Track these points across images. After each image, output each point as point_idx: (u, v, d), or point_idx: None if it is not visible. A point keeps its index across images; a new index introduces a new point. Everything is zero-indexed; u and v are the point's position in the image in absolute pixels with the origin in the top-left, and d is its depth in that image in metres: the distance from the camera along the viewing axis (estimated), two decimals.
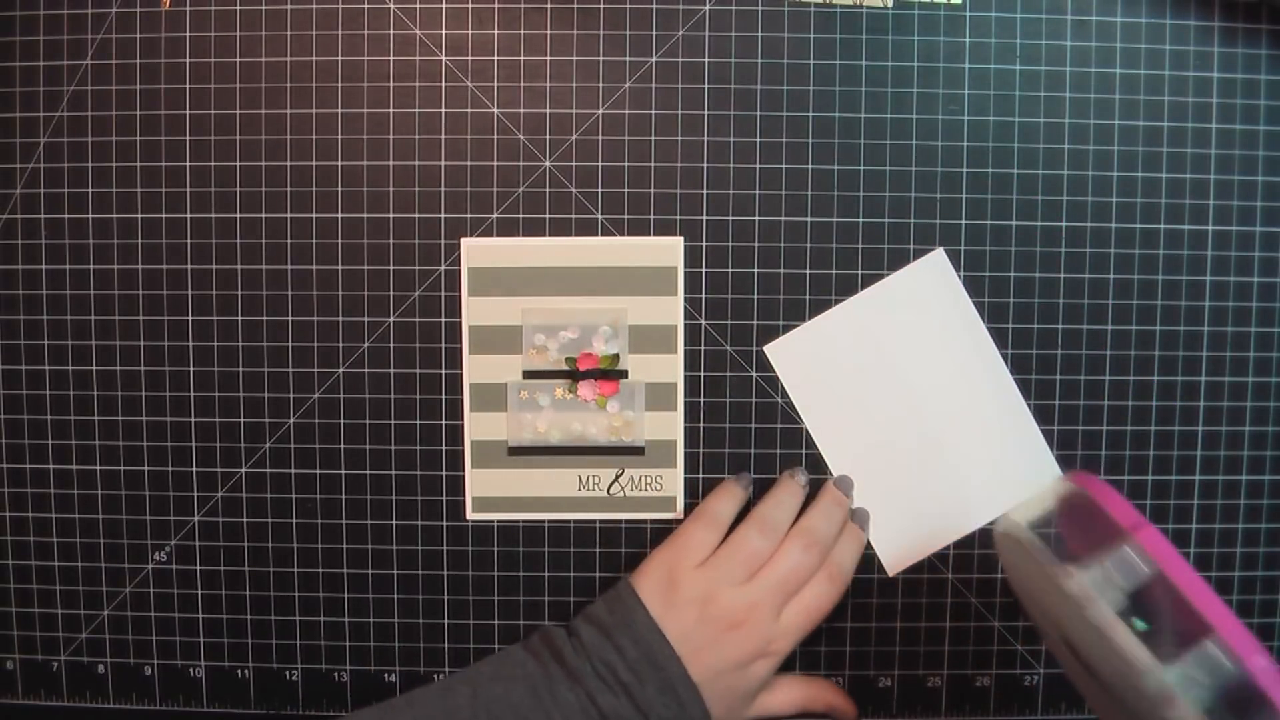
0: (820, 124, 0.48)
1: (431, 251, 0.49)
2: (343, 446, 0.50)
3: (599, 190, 0.49)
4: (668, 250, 0.49)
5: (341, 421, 0.49)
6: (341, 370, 0.49)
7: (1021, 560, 0.40)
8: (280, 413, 0.50)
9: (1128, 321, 0.49)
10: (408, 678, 0.50)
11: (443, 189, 0.49)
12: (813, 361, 0.49)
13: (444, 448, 0.49)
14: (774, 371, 0.49)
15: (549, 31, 0.48)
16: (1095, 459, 0.49)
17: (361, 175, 0.49)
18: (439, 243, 0.49)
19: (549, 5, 0.48)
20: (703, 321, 0.49)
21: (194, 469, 0.50)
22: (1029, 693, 0.50)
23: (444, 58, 0.49)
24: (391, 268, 0.49)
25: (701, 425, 0.49)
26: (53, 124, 0.49)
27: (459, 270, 0.49)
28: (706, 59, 0.48)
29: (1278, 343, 0.49)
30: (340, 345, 0.49)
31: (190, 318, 0.49)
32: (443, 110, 0.48)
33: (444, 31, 0.48)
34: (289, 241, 0.49)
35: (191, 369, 0.49)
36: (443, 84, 0.48)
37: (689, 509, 0.49)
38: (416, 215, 0.49)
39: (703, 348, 0.49)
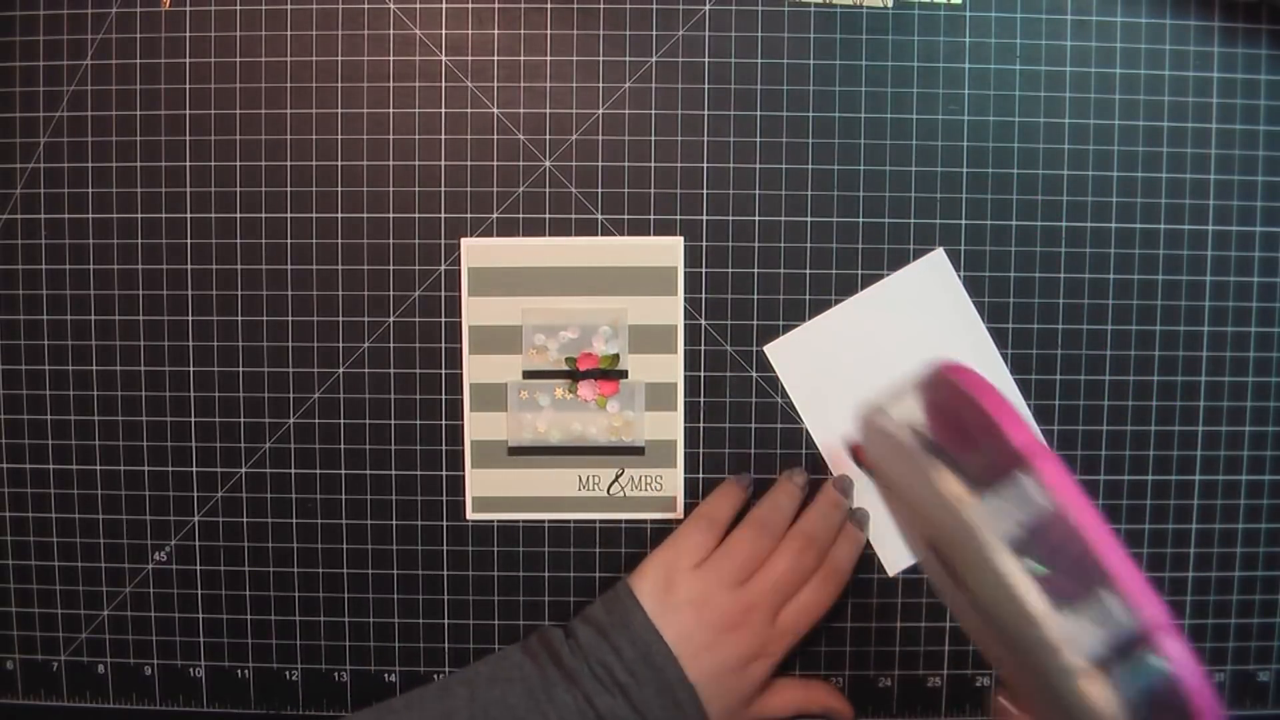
0: (820, 124, 0.48)
1: (431, 251, 0.49)
2: (343, 446, 0.50)
3: (599, 190, 0.49)
4: (668, 250, 0.49)
5: (341, 421, 0.49)
6: (341, 370, 0.49)
7: (891, 456, 0.37)
8: (280, 413, 0.50)
9: (1128, 321, 0.49)
10: (408, 678, 0.50)
11: (443, 189, 0.49)
12: (813, 361, 0.49)
13: (444, 448, 0.49)
14: (774, 371, 0.49)
15: (549, 31, 0.48)
16: (1095, 459, 0.49)
17: (361, 175, 0.49)
18: (439, 243, 0.49)
19: (549, 5, 0.48)
20: (703, 321, 0.49)
21: (194, 469, 0.50)
22: None
23: (444, 58, 0.49)
24: (391, 268, 0.49)
25: (701, 425, 0.49)
26: (53, 124, 0.49)
27: (459, 270, 0.49)
28: (706, 59, 0.48)
29: (1278, 343, 0.49)
30: (340, 345, 0.49)
31: (190, 318, 0.49)
32: (443, 110, 0.48)
33: (444, 31, 0.48)
34: (289, 241, 0.49)
35: (191, 369, 0.49)
36: (443, 84, 0.48)
37: (689, 509, 0.49)
38: (416, 215, 0.49)
39: (703, 348, 0.49)
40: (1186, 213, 0.48)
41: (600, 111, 0.48)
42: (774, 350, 0.49)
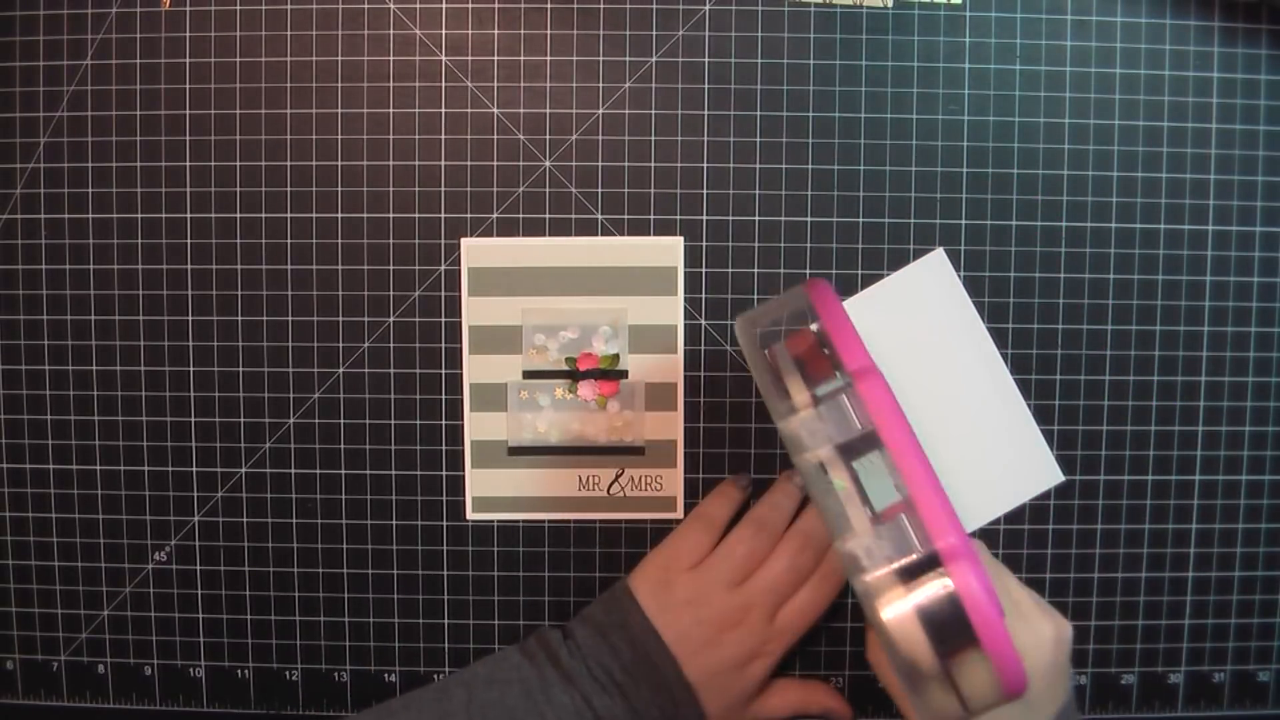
0: (820, 124, 0.48)
1: (431, 251, 0.49)
2: (343, 446, 0.50)
3: (599, 190, 0.49)
4: (668, 250, 0.49)
5: (341, 421, 0.49)
6: (341, 370, 0.49)
7: (759, 367, 0.38)
8: (280, 413, 0.50)
9: (1128, 321, 0.49)
10: (408, 678, 0.50)
11: (443, 189, 0.49)
12: None
13: (444, 448, 0.49)
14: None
15: (549, 31, 0.48)
16: (1095, 459, 0.49)
17: (361, 175, 0.49)
18: (439, 243, 0.49)
19: (549, 5, 0.48)
20: (703, 321, 0.49)
21: (194, 469, 0.50)
22: None
23: (444, 58, 0.49)
24: (391, 268, 0.49)
25: (701, 425, 0.49)
26: (53, 124, 0.49)
27: (459, 270, 0.49)
28: (706, 59, 0.48)
29: (1278, 343, 0.49)
30: (340, 345, 0.49)
31: (190, 318, 0.49)
32: (443, 110, 0.48)
33: (444, 31, 0.48)
34: (289, 241, 0.49)
35: (191, 369, 0.49)
36: (443, 84, 0.48)
37: (689, 509, 0.49)
38: (416, 215, 0.49)
39: (703, 348, 0.49)
40: (1186, 213, 0.48)
41: (600, 111, 0.48)
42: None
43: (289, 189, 0.49)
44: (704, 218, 0.49)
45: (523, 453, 0.49)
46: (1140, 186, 0.48)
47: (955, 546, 0.32)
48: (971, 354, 0.49)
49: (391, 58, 0.48)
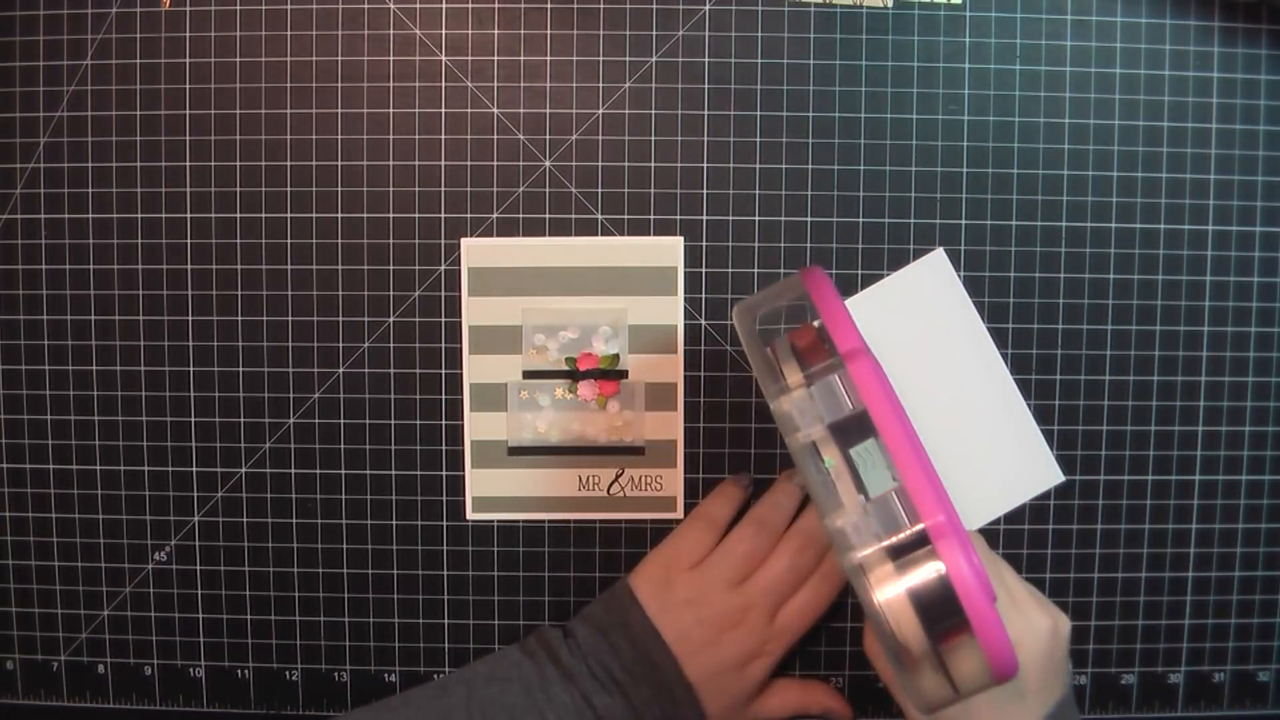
0: (820, 124, 0.48)
1: (431, 251, 0.49)
2: (343, 446, 0.50)
3: (599, 190, 0.49)
4: (668, 250, 0.49)
5: (341, 421, 0.49)
6: (341, 370, 0.49)
7: (750, 347, 0.38)
8: (280, 413, 0.50)
9: (1128, 321, 0.49)
10: (408, 678, 0.50)
11: (443, 189, 0.49)
12: None
13: (444, 448, 0.49)
14: None
15: (549, 31, 0.48)
16: (1095, 459, 0.49)
17: (361, 175, 0.49)
18: (439, 243, 0.49)
19: (549, 5, 0.48)
20: (703, 321, 0.49)
21: (194, 469, 0.50)
22: None
23: (444, 58, 0.49)
24: (391, 268, 0.49)
25: (701, 425, 0.49)
26: (53, 124, 0.49)
27: (459, 270, 0.49)
28: (706, 59, 0.48)
29: (1278, 343, 0.49)
30: (340, 345, 0.49)
31: (190, 318, 0.49)
32: (443, 110, 0.48)
33: (444, 31, 0.48)
34: (289, 241, 0.49)
35: (191, 369, 0.49)
36: (443, 84, 0.48)
37: (689, 509, 0.49)
38: (416, 215, 0.49)
39: (703, 348, 0.49)
40: (1186, 213, 0.48)
41: (600, 111, 0.48)
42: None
43: (289, 189, 0.49)
44: (704, 218, 0.49)
45: (523, 453, 0.49)
46: (1140, 186, 0.48)
47: (943, 524, 0.32)
48: (971, 354, 0.49)
49: (391, 58, 0.48)
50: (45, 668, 0.51)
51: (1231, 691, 0.50)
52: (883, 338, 0.49)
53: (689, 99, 0.48)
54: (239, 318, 0.49)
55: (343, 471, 0.50)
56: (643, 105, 0.48)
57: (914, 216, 0.49)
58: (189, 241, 0.49)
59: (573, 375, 0.49)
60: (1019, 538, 0.49)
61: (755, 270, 0.49)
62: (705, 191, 0.49)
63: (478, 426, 0.49)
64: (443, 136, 0.49)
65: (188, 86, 0.49)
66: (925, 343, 0.49)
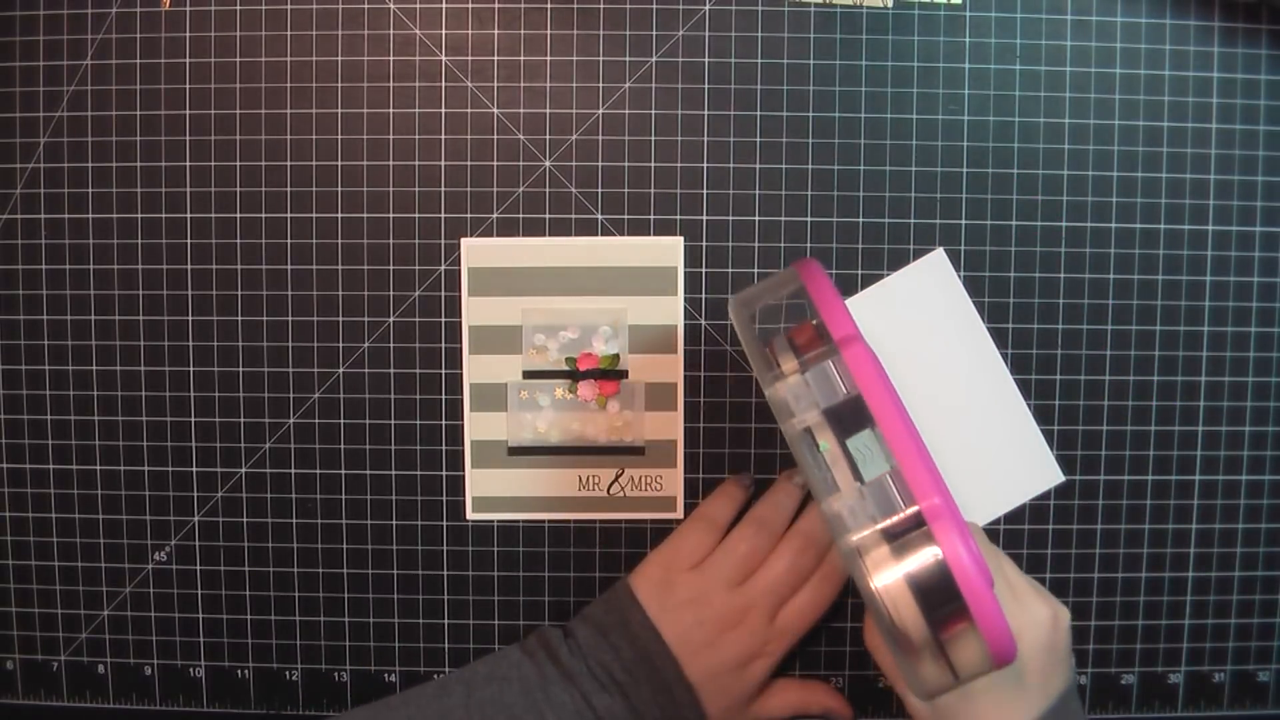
0: (820, 124, 0.48)
1: (431, 251, 0.49)
2: (343, 446, 0.50)
3: (599, 190, 0.49)
4: (668, 250, 0.49)
5: (341, 421, 0.49)
6: (341, 370, 0.49)
7: (752, 346, 0.39)
8: (280, 413, 0.50)
9: (1128, 321, 0.49)
10: (408, 678, 0.50)
11: (443, 189, 0.49)
12: None
13: (444, 448, 0.49)
14: None
15: (549, 31, 0.48)
16: (1095, 459, 0.49)
17: (361, 175, 0.49)
18: (439, 243, 0.49)
19: (549, 5, 0.48)
20: (703, 321, 0.49)
21: (194, 469, 0.50)
22: None
23: (444, 58, 0.49)
24: (391, 268, 0.49)
25: (701, 425, 0.49)
26: (53, 124, 0.49)
27: (459, 270, 0.49)
28: (706, 59, 0.48)
29: (1278, 343, 0.49)
30: (340, 345, 0.49)
31: (190, 318, 0.49)
32: (443, 110, 0.48)
33: (444, 31, 0.48)
34: (289, 241, 0.49)
35: (191, 369, 0.49)
36: (443, 84, 0.48)
37: (689, 509, 0.49)
38: (416, 215, 0.49)
39: (703, 348, 0.49)
40: (1186, 213, 0.48)
41: (600, 111, 0.48)
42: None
43: (289, 189, 0.49)
44: (704, 218, 0.49)
45: (523, 453, 0.49)
46: (1140, 186, 0.48)
47: (938, 506, 0.32)
48: (971, 354, 0.49)
49: (391, 58, 0.48)
50: (45, 668, 0.51)
51: (1231, 691, 0.50)
52: (883, 338, 0.49)
53: (689, 99, 0.48)
54: (239, 318, 0.49)
55: (343, 471, 0.50)
56: (643, 105, 0.48)
57: (914, 216, 0.49)
58: (189, 241, 0.49)
59: (573, 375, 0.49)
60: (1019, 538, 0.49)
61: (755, 270, 0.49)
62: (705, 191, 0.49)
63: (478, 426, 0.49)
64: (443, 136, 0.49)
65: (188, 86, 0.49)
66: (925, 343, 0.49)
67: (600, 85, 0.48)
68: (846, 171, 0.48)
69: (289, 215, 0.49)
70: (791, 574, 0.45)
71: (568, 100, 0.48)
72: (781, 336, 0.37)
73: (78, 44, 0.49)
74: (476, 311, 0.49)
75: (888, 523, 0.32)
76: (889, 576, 0.32)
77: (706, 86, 0.48)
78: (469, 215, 0.49)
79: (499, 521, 0.50)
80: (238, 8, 0.48)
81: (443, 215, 0.49)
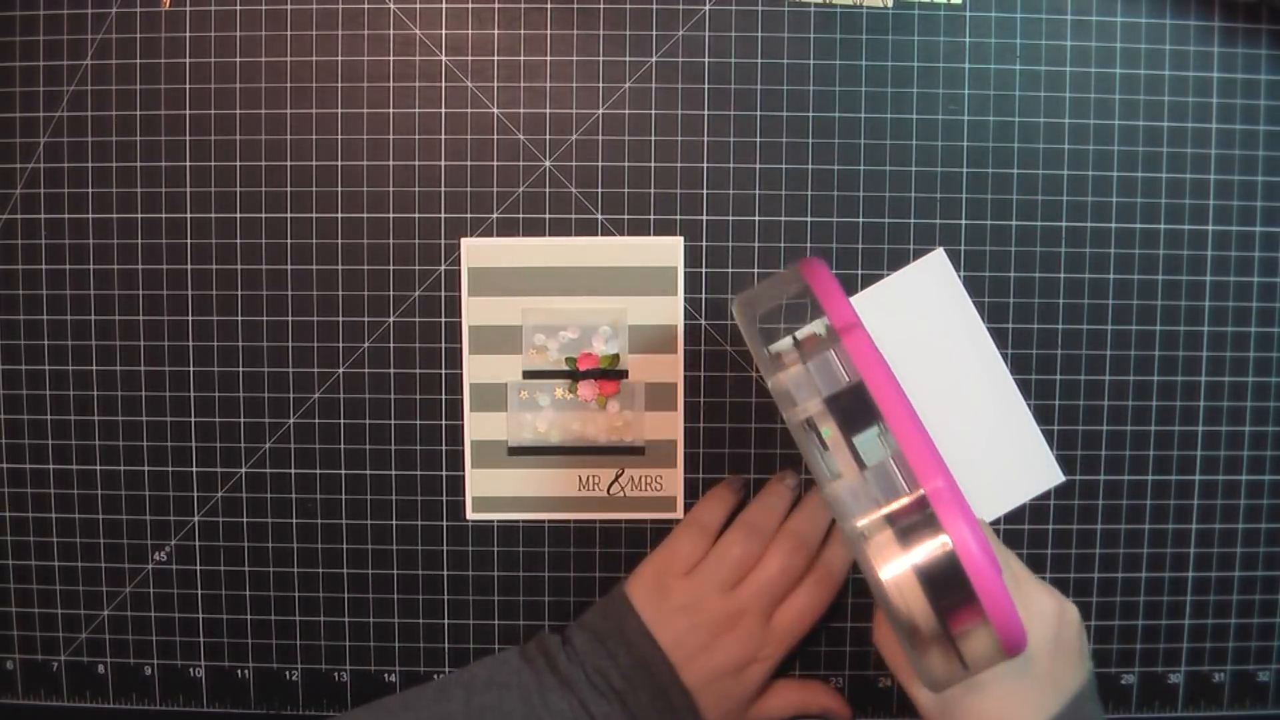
0: (820, 124, 0.48)
1: (431, 251, 0.49)
2: (343, 446, 0.50)
3: (599, 190, 0.49)
4: (668, 250, 0.49)
5: (341, 421, 0.49)
6: (341, 370, 0.49)
7: (749, 336, 0.39)
8: (280, 413, 0.50)
9: (1128, 321, 0.49)
10: (408, 678, 0.50)
11: (443, 189, 0.49)
12: None
13: (444, 448, 0.49)
14: None
15: (549, 31, 0.48)
16: (1095, 459, 0.49)
17: (361, 175, 0.49)
18: (439, 243, 0.49)
19: (549, 5, 0.48)
20: (703, 321, 0.49)
21: (194, 469, 0.50)
22: None
23: (444, 58, 0.49)
24: (391, 268, 0.49)
25: (701, 425, 0.49)
26: (53, 124, 0.49)
27: (459, 270, 0.49)
28: (706, 59, 0.48)
29: (1278, 343, 0.49)
30: (340, 345, 0.49)
31: (190, 318, 0.49)
32: (443, 110, 0.48)
33: (444, 31, 0.48)
34: (289, 241, 0.49)
35: (191, 369, 0.49)
36: (443, 84, 0.48)
37: (689, 509, 0.49)
38: (416, 215, 0.49)
39: (703, 348, 0.49)
40: (1186, 213, 0.48)
41: (600, 111, 0.48)
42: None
43: (289, 189, 0.49)
44: (704, 218, 0.49)
45: (523, 453, 0.49)
46: (1140, 186, 0.48)
47: (942, 489, 0.31)
48: (971, 354, 0.49)
49: (391, 58, 0.48)
50: (45, 668, 0.51)
51: (1231, 691, 0.50)
52: (883, 338, 0.49)
53: (689, 99, 0.48)
54: (239, 318, 0.49)
55: (343, 471, 0.50)
56: (643, 105, 0.48)
57: (914, 216, 0.49)
58: (189, 241, 0.49)
59: (573, 375, 0.49)
60: (1019, 538, 0.49)
61: (755, 270, 0.49)
62: (705, 191, 0.49)
63: (478, 426, 0.49)
64: (443, 136, 0.49)
65: (188, 86, 0.49)
66: (925, 343, 0.49)
67: (600, 85, 0.48)
68: (846, 171, 0.48)
69: (289, 215, 0.49)
70: (784, 576, 0.45)
71: (568, 100, 0.48)
72: (784, 332, 0.37)
73: (78, 44, 0.49)
74: (476, 311, 0.49)
75: (892, 507, 0.32)
76: (895, 563, 0.32)
77: (706, 86, 0.48)
78: (469, 215, 0.49)
79: (499, 521, 0.50)
80: (238, 8, 0.48)
81: (443, 215, 0.49)
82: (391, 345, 0.49)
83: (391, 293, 0.49)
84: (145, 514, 0.50)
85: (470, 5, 0.48)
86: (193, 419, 0.50)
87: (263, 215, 0.49)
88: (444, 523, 0.50)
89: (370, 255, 0.49)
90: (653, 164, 0.49)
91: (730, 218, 0.49)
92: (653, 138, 0.48)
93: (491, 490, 0.50)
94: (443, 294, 0.49)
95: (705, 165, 0.49)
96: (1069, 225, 0.48)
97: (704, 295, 0.49)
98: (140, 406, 0.50)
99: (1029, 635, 0.36)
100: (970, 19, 0.48)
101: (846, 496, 0.33)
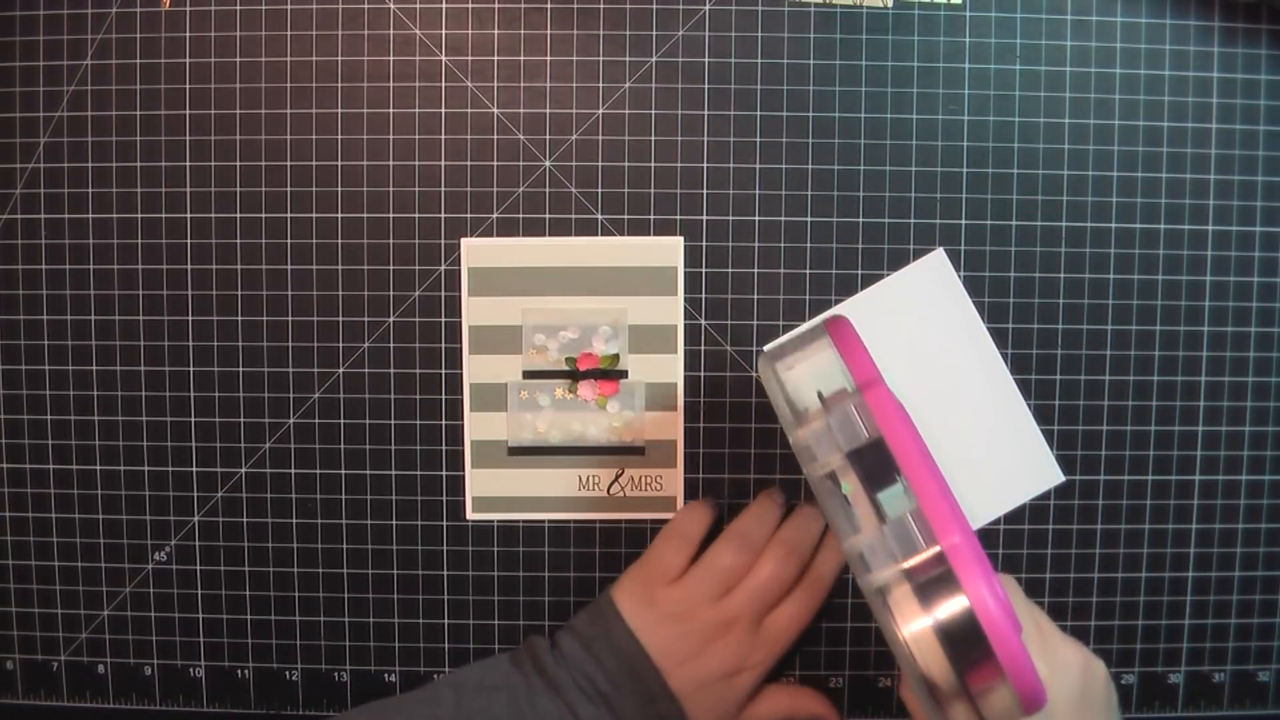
0: (820, 124, 0.48)
1: (431, 251, 0.49)
2: (343, 446, 0.50)
3: (599, 190, 0.49)
4: (668, 250, 0.49)
5: (341, 421, 0.49)
6: (341, 370, 0.49)
7: (778, 397, 0.39)
8: (280, 413, 0.50)
9: (1128, 321, 0.49)
10: (408, 678, 0.50)
11: (443, 189, 0.49)
12: None
13: (444, 448, 0.49)
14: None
15: (549, 31, 0.48)
16: (1095, 459, 0.49)
17: (361, 175, 0.49)
18: (439, 243, 0.49)
19: (549, 5, 0.48)
20: (703, 321, 0.49)
21: (194, 469, 0.50)
22: None
23: (444, 58, 0.49)
24: (391, 268, 0.49)
25: (701, 425, 0.49)
26: (53, 124, 0.49)
27: (459, 270, 0.49)
28: (706, 59, 0.48)
29: (1278, 343, 0.49)
30: (340, 345, 0.49)
31: (190, 318, 0.49)
32: (443, 110, 0.49)
33: (444, 31, 0.48)
34: (289, 241, 0.49)
35: (191, 369, 0.49)
36: (443, 84, 0.48)
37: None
38: (416, 215, 0.49)
39: (703, 348, 0.49)
40: (1186, 213, 0.48)
41: (600, 111, 0.48)
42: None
43: (289, 189, 0.49)
44: (704, 218, 0.49)
45: (523, 453, 0.49)
46: (1140, 186, 0.48)
47: (959, 545, 0.32)
48: (971, 354, 0.49)
49: (391, 58, 0.48)
50: (45, 668, 0.51)
51: (1231, 691, 0.50)
52: (883, 338, 0.49)
53: (689, 99, 0.48)
54: (239, 318, 0.49)
55: (343, 471, 0.50)
56: (643, 105, 0.48)
57: (914, 216, 0.49)
58: (189, 241, 0.49)
59: (573, 375, 0.49)
60: (1019, 538, 0.49)
61: (755, 270, 0.49)
62: (705, 191, 0.49)
63: (478, 426, 0.49)
64: (443, 136, 0.49)
65: (188, 86, 0.49)
66: (925, 343, 0.49)
67: (600, 85, 0.48)
68: (846, 171, 0.48)
69: (289, 215, 0.49)
70: (775, 583, 0.45)
71: (568, 100, 0.48)
72: (809, 388, 0.38)
73: (78, 44, 0.49)
74: (476, 311, 0.49)
75: (910, 563, 0.32)
76: (913, 620, 0.32)
77: (706, 86, 0.48)
78: (469, 215, 0.49)
79: (499, 521, 0.50)
80: (238, 8, 0.48)
81: (443, 215, 0.49)
82: (391, 345, 0.49)
83: (391, 293, 0.49)
84: (145, 514, 0.50)
85: (470, 5, 0.48)
86: (193, 419, 0.50)
87: (263, 215, 0.49)
88: (444, 523, 0.50)
89: (370, 255, 0.49)
90: (653, 164, 0.49)
91: (730, 218, 0.49)
92: (653, 138, 0.48)
93: (491, 490, 0.50)
94: (443, 294, 0.49)
95: (705, 165, 0.49)
96: (1069, 225, 0.48)
97: (704, 295, 0.49)
98: (140, 406, 0.50)
99: (1052, 690, 0.35)
100: (970, 19, 0.48)
101: (866, 551, 0.33)
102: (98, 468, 0.50)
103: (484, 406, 0.49)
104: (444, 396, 0.49)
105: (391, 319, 0.49)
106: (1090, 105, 0.48)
